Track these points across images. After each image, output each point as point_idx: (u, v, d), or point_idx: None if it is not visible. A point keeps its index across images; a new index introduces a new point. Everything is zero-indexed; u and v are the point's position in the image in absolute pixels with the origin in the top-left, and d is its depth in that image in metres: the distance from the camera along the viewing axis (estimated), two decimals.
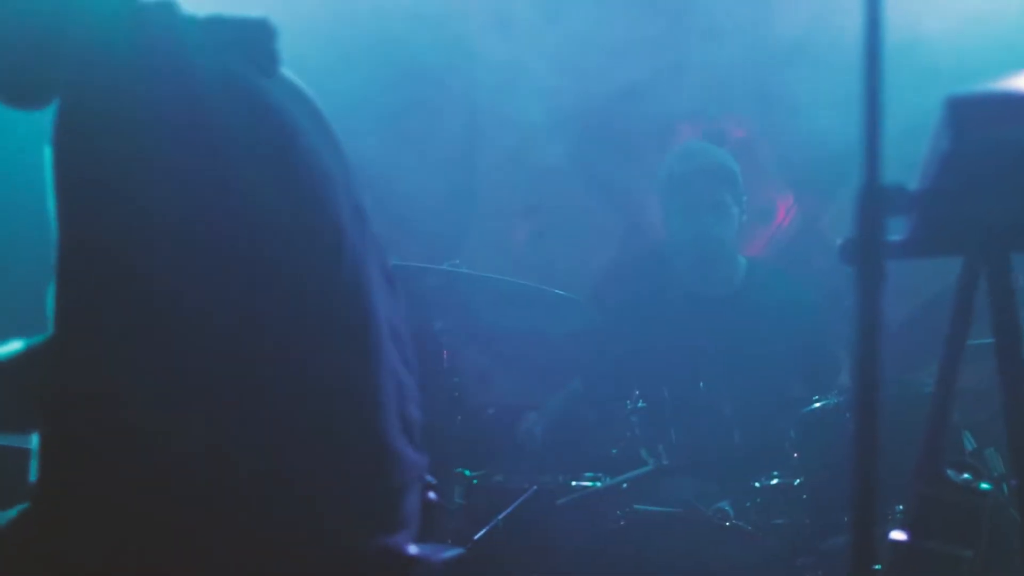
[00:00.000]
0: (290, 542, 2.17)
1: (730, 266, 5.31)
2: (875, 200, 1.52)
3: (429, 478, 2.53)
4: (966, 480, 2.44)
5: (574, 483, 4.53)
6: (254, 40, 2.44)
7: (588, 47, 6.06)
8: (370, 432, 2.31)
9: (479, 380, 5.47)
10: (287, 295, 2.24)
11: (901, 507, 3.85)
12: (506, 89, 5.92)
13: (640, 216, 6.11)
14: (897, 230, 1.91)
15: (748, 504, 4.39)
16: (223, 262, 2.19)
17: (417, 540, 2.37)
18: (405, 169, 5.85)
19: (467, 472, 4.54)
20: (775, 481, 4.42)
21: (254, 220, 2.23)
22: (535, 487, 4.49)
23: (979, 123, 1.56)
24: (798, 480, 4.38)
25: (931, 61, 5.10)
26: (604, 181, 6.12)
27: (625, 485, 4.46)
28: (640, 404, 4.55)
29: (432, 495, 2.51)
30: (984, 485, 2.44)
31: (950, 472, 2.46)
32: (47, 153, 2.16)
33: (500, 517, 4.39)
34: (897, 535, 2.30)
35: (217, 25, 2.39)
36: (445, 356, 4.66)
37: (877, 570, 2.93)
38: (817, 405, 4.44)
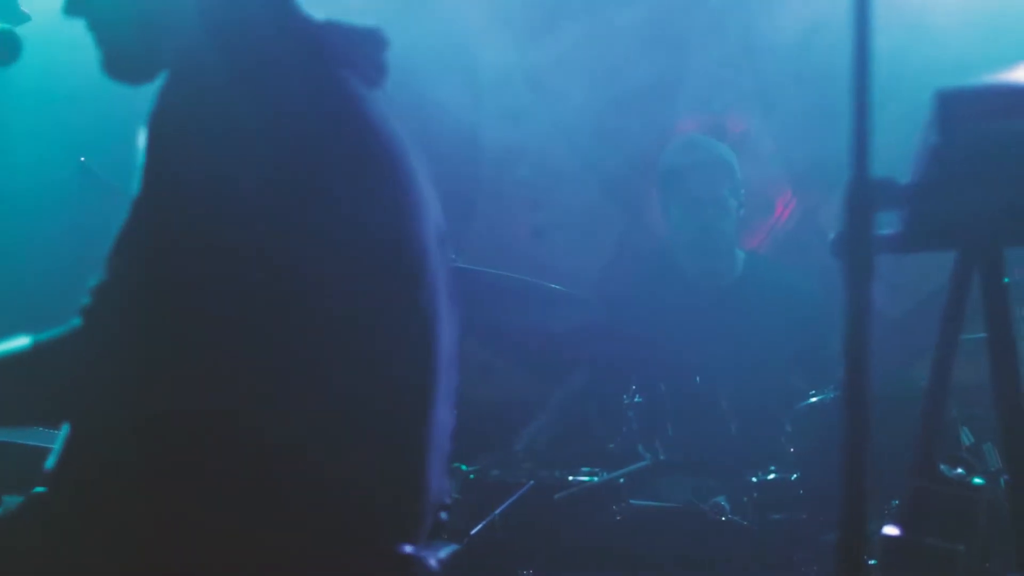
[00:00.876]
0: (302, 548, 2.17)
1: (728, 259, 5.31)
2: (863, 194, 1.52)
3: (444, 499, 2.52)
4: (960, 475, 2.44)
5: (571, 478, 4.53)
6: (365, 49, 2.43)
7: (590, 43, 6.06)
8: (414, 462, 2.31)
9: (478, 375, 5.47)
10: (363, 311, 2.23)
11: (896, 502, 3.85)
12: (508, 85, 5.92)
13: (640, 211, 6.10)
14: (891, 224, 1.91)
15: (745, 499, 4.39)
16: (302, 265, 2.18)
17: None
18: None
19: (464, 467, 4.53)
20: (772, 476, 4.42)
21: (343, 231, 2.22)
22: (532, 482, 4.49)
23: (968, 117, 1.55)
24: (795, 475, 4.38)
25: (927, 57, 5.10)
26: (605, 176, 6.12)
27: (622, 480, 4.46)
28: (637, 399, 4.55)
29: (444, 515, 2.51)
30: (978, 480, 2.44)
31: (944, 467, 2.46)
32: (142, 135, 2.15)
33: (497, 512, 4.39)
34: (891, 530, 2.29)
35: (332, 30, 2.39)
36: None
37: (870, 565, 2.93)
38: (814, 399, 4.44)
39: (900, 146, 2.01)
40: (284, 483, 2.15)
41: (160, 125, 2.14)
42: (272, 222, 2.15)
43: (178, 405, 2.14)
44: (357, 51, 2.41)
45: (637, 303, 5.26)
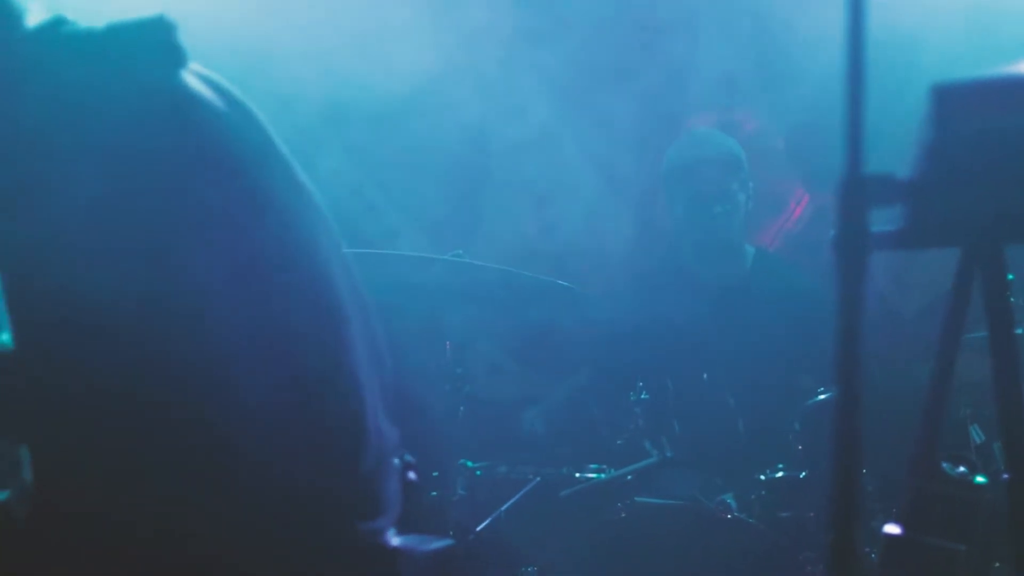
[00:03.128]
0: (266, 530, 2.17)
1: (737, 255, 5.28)
2: (857, 190, 1.51)
3: (407, 457, 2.50)
4: (962, 474, 2.42)
5: (577, 475, 4.52)
6: (156, 38, 2.40)
7: (598, 39, 6.05)
8: (345, 408, 2.30)
9: (484, 371, 5.47)
10: (239, 274, 2.23)
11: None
12: (515, 81, 5.91)
13: (650, 207, 6.09)
14: (893, 221, 1.90)
15: (752, 497, 4.38)
16: (168, 253, 2.18)
17: (401, 525, 2.36)
18: (414, 161, 5.85)
19: (470, 463, 4.53)
20: (780, 474, 4.41)
21: (185, 209, 2.22)
22: (538, 478, 4.49)
23: (964, 113, 1.54)
24: (803, 473, 4.37)
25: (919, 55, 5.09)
26: (613, 173, 6.10)
27: (629, 477, 4.45)
28: (644, 395, 4.54)
29: (411, 475, 2.49)
30: (980, 479, 2.42)
31: (946, 466, 2.45)
32: None
33: (503, 508, 4.39)
34: (892, 529, 2.28)
35: (116, 32, 2.36)
36: (448, 347, 4.65)
37: (871, 559, 2.91)
38: (822, 397, 4.43)
39: (899, 141, 1.99)
40: (226, 474, 2.16)
41: None
42: (102, 225, 2.16)
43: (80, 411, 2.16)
44: (151, 45, 2.39)
45: (645, 300, 5.23)
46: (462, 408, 4.59)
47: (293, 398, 2.23)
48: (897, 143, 1.81)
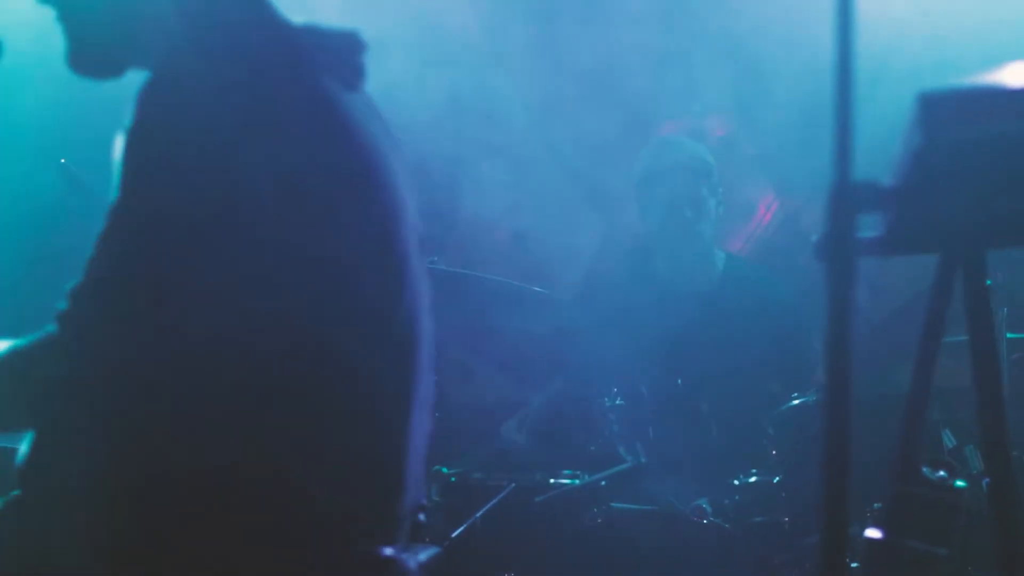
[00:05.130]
0: (266, 544, 2.16)
1: (707, 260, 5.30)
2: (846, 196, 1.52)
3: (422, 499, 2.52)
4: (942, 477, 2.43)
5: (552, 481, 4.52)
6: (343, 53, 2.42)
7: (572, 46, 6.06)
8: (393, 465, 2.30)
9: (459, 378, 5.46)
10: (346, 315, 2.22)
11: (878, 504, 3.85)
12: (488, 87, 5.91)
13: (620, 214, 6.10)
14: (874, 227, 1.91)
15: (726, 502, 4.39)
16: (284, 275, 2.16)
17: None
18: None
19: (444, 470, 4.53)
20: (753, 479, 4.42)
21: (323, 235, 2.20)
22: (513, 484, 4.48)
23: (951, 120, 1.55)
24: (777, 478, 4.38)
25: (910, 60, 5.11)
26: (585, 180, 6.12)
27: (603, 483, 4.45)
28: (618, 401, 4.55)
29: (422, 516, 2.50)
30: (960, 483, 2.44)
31: (926, 469, 2.46)
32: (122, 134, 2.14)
33: (478, 515, 4.38)
34: (872, 533, 2.29)
35: (310, 34, 2.37)
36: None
37: (853, 568, 2.93)
38: (795, 403, 4.45)
39: (882, 148, 2.00)
40: (260, 487, 2.14)
41: (141, 133, 2.12)
42: (254, 233, 2.14)
43: (152, 411, 2.13)
44: (336, 55, 2.40)
45: (617, 306, 5.24)
46: (436, 414, 4.58)
47: (348, 431, 2.22)
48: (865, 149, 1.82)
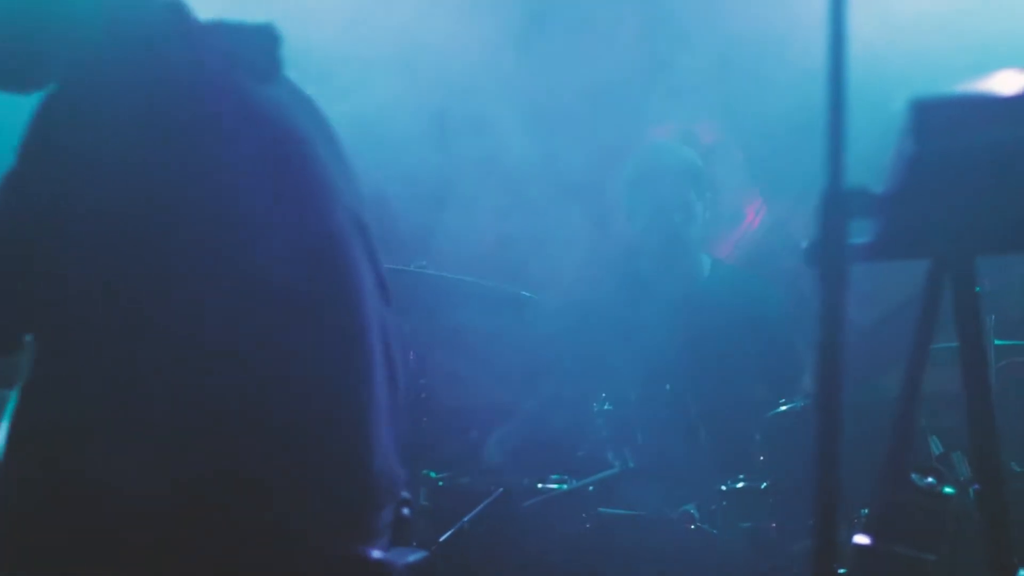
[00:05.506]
0: (263, 551, 2.15)
1: (694, 265, 5.30)
2: (838, 203, 1.52)
3: (405, 494, 2.50)
4: (930, 484, 2.44)
5: (540, 485, 4.52)
6: (256, 46, 2.42)
7: (560, 49, 6.06)
8: (357, 448, 2.29)
9: (446, 381, 5.45)
10: (272, 300, 2.21)
11: (866, 511, 3.85)
12: (476, 90, 5.91)
13: (607, 218, 6.10)
14: (864, 233, 1.91)
15: (714, 507, 4.39)
16: (203, 263, 2.17)
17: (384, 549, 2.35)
18: (373, 170, 5.83)
19: (432, 474, 4.52)
20: (741, 484, 4.42)
21: (240, 225, 2.21)
22: (501, 489, 4.48)
23: (943, 127, 1.55)
24: (764, 484, 4.38)
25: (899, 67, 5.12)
26: (573, 184, 6.11)
27: (591, 488, 4.45)
28: (607, 406, 4.55)
29: (406, 511, 2.49)
30: (948, 489, 2.44)
31: (914, 476, 2.47)
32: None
33: (466, 519, 4.37)
34: (861, 539, 2.30)
35: (220, 29, 2.37)
36: (412, 357, 4.64)
37: (840, 573, 2.93)
38: (783, 408, 4.45)
39: (872, 155, 2.01)
40: (226, 489, 2.14)
41: (31, 142, 2.14)
42: (170, 232, 2.15)
43: (67, 403, 2.14)
44: (248, 50, 2.40)
45: (605, 310, 5.24)
46: (425, 418, 4.58)
47: (303, 418, 2.21)
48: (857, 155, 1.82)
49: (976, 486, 2.06)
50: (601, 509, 4.40)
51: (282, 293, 2.23)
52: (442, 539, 4.33)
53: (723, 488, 4.42)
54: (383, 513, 2.37)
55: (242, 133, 2.28)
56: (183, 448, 2.13)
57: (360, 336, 2.33)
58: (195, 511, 2.13)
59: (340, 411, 2.28)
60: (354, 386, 2.30)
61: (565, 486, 4.49)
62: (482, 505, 4.42)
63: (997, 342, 4.29)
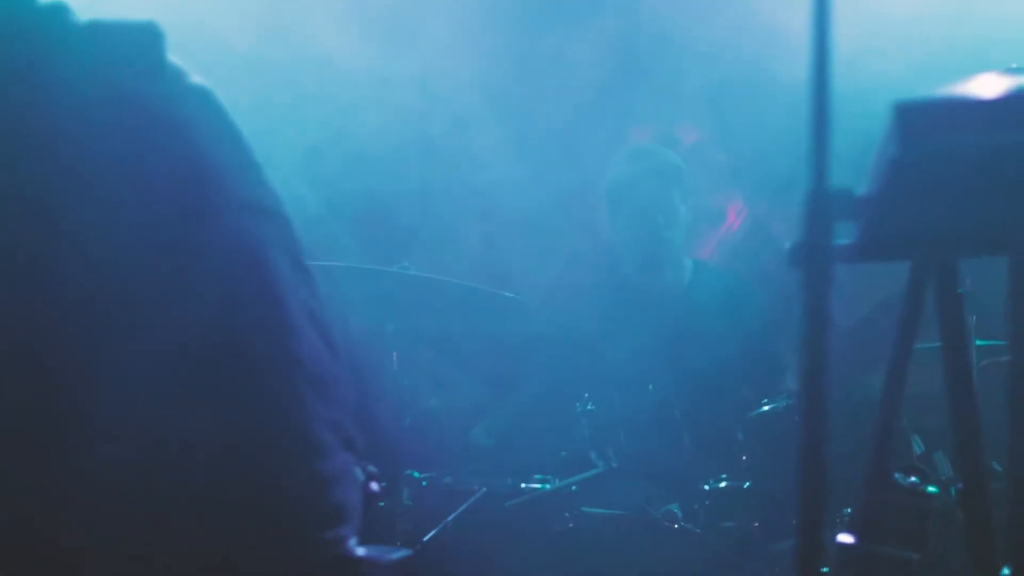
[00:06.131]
0: (223, 542, 2.15)
1: (677, 267, 5.31)
2: (822, 204, 1.53)
3: (371, 468, 2.47)
4: (913, 483, 2.46)
5: (523, 485, 4.53)
6: (136, 45, 2.40)
7: (541, 51, 6.07)
8: (288, 418, 2.26)
9: (430, 382, 5.46)
10: (171, 279, 2.20)
11: (849, 510, 3.87)
12: (459, 94, 5.92)
13: (590, 221, 6.12)
14: (846, 234, 1.92)
15: (697, 507, 4.40)
16: (105, 249, 2.16)
17: (363, 537, 2.34)
18: (359, 172, 5.84)
19: (416, 474, 4.52)
20: (724, 484, 4.43)
21: (118, 218, 2.20)
22: (484, 489, 4.49)
23: (927, 129, 1.56)
24: (747, 483, 4.39)
25: (881, 68, 5.14)
26: (556, 186, 6.13)
27: (574, 487, 4.46)
28: (590, 407, 4.56)
29: (374, 486, 2.46)
30: (931, 488, 2.45)
31: (897, 475, 2.48)
32: None
33: (449, 519, 4.38)
34: (845, 538, 2.30)
35: (99, 30, 2.35)
36: (395, 358, 4.65)
37: (824, 573, 2.94)
38: (765, 408, 4.46)
39: (855, 156, 2.02)
40: (153, 476, 2.13)
41: None
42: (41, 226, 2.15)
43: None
44: (130, 48, 2.38)
45: (587, 312, 5.26)
46: (408, 419, 4.59)
47: (225, 394, 2.20)
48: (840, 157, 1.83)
49: (958, 485, 2.07)
50: (584, 508, 4.41)
51: (175, 271, 2.21)
52: (426, 538, 4.34)
53: (706, 488, 4.44)
54: (340, 489, 2.33)
55: (125, 134, 2.27)
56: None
57: (274, 306, 2.31)
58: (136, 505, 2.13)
59: (263, 381, 2.26)
60: (276, 355, 2.28)
61: (548, 486, 4.50)
62: (465, 504, 4.43)
63: (979, 342, 4.31)
